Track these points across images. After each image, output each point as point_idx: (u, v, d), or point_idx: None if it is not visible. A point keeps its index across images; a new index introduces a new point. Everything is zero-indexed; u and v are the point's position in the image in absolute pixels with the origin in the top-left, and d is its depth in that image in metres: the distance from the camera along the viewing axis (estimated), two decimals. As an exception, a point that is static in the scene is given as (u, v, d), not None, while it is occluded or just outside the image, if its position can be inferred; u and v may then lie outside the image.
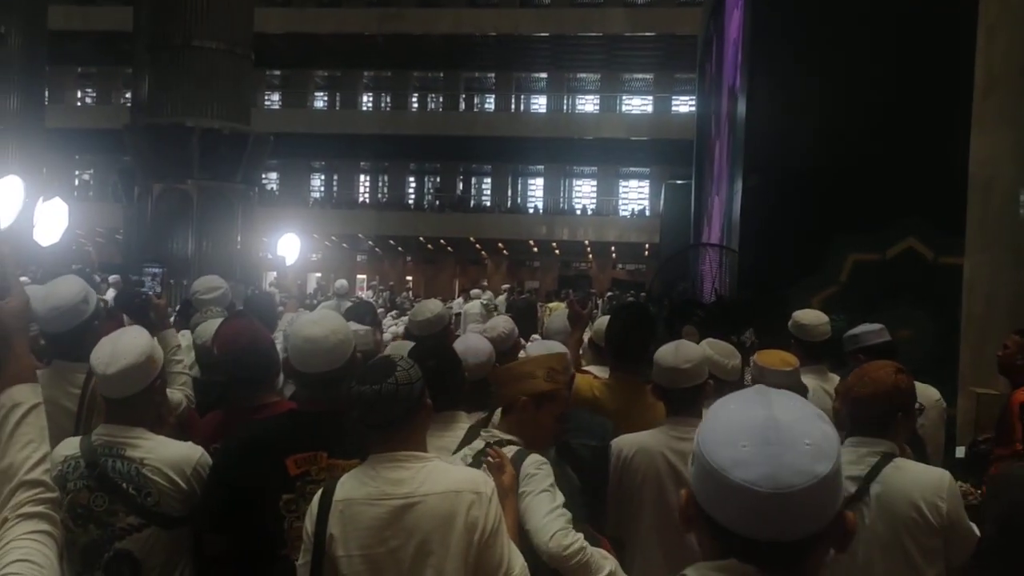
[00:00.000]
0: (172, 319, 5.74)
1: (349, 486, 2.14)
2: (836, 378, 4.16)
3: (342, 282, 10.55)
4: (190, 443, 2.60)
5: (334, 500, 2.13)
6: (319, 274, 33.96)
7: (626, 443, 3.02)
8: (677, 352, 3.03)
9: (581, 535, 2.27)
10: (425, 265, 37.71)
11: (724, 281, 4.89)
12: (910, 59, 5.74)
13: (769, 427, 1.06)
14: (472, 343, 3.29)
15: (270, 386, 3.14)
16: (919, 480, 2.66)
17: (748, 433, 1.07)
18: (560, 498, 2.35)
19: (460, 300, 15.69)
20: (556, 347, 3.36)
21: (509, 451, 2.44)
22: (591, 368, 3.90)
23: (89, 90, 38.73)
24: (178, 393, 3.30)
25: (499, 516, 2.14)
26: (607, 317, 4.02)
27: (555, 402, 2.56)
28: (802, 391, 3.65)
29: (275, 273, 21.00)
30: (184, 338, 3.97)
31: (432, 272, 36.96)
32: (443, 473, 2.15)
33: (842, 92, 5.65)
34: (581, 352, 4.21)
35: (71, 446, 2.52)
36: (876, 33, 5.70)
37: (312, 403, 2.54)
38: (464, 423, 2.80)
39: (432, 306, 4.11)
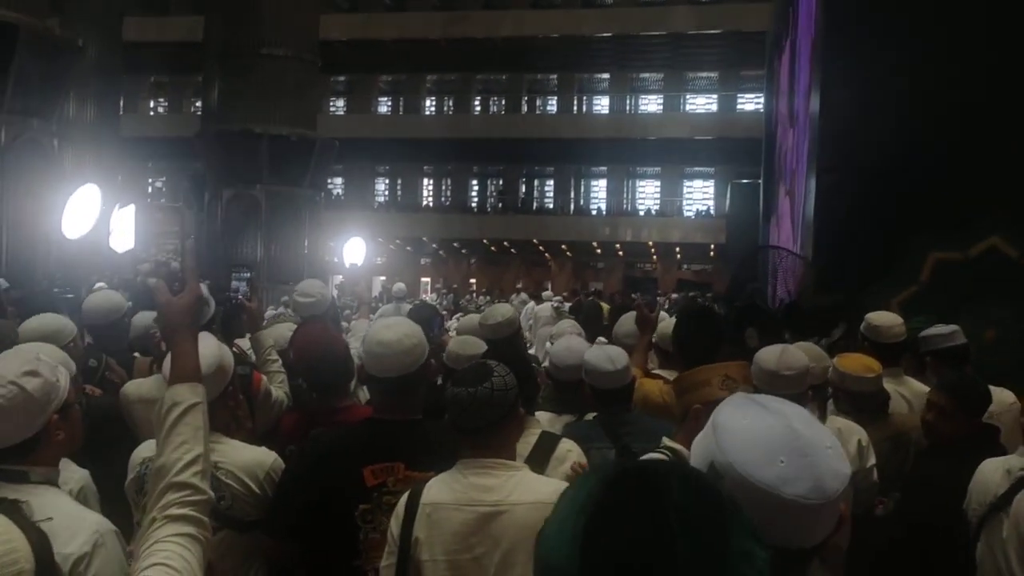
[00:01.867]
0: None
1: (436, 490, 2.14)
2: (914, 382, 4.03)
3: (400, 285, 10.55)
4: (264, 448, 2.62)
5: (421, 503, 2.12)
6: (383, 277, 34.29)
7: None
8: (781, 357, 2.89)
9: None
10: (489, 267, 37.80)
11: (791, 285, 4.67)
12: (990, 48, 5.49)
13: (793, 438, 1.08)
14: (572, 344, 3.26)
15: (344, 391, 3.17)
16: None
17: (779, 447, 1.08)
18: None
19: (532, 304, 15.63)
20: (621, 352, 3.30)
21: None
22: (661, 372, 3.84)
23: (162, 99, 39.72)
24: (280, 391, 3.35)
25: None
26: (671, 320, 3.95)
27: None
28: (884, 397, 3.53)
29: (340, 277, 21.24)
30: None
31: (496, 274, 37.02)
32: (532, 483, 2.14)
33: (920, 84, 5.37)
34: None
35: (150, 448, 2.56)
36: (955, 21, 5.45)
37: (388, 410, 2.52)
38: (538, 429, 2.77)
39: (503, 310, 4.08)
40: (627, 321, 4.24)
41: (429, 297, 23.52)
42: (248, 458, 2.52)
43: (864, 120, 5.32)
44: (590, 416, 3.10)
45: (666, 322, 3.88)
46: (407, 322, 2.63)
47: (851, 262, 5.17)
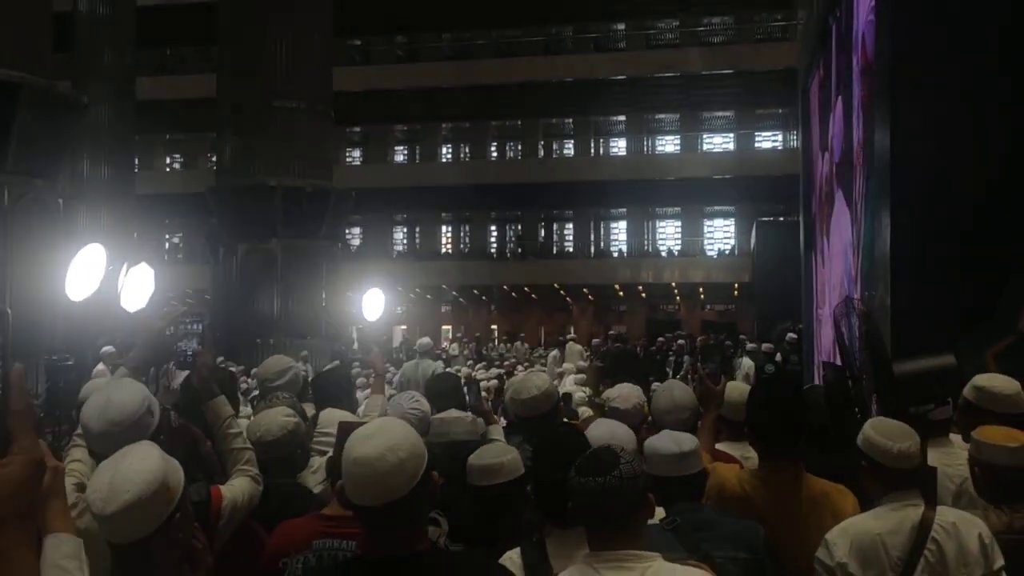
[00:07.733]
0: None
1: None
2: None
3: (425, 340, 9.45)
4: None
5: None
6: (404, 327, 33.89)
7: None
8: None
9: None
10: (510, 313, 37.36)
11: (856, 348, 3.93)
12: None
13: None
14: (617, 432, 2.71)
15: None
16: None
17: None
18: None
19: (554, 352, 15.01)
20: (687, 435, 2.71)
21: None
22: (728, 448, 3.28)
23: (177, 156, 39.85)
24: (244, 481, 2.64)
25: None
26: (741, 386, 3.40)
27: None
28: None
29: (360, 327, 20.78)
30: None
31: (517, 320, 36.57)
32: (669, 574, 2.00)
33: (1007, 107, 4.72)
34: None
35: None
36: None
37: (379, 545, 1.92)
38: None
39: (537, 381, 3.43)
40: (669, 393, 3.34)
41: (451, 347, 22.99)
42: None
43: (942, 148, 4.71)
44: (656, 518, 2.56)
45: (736, 390, 3.29)
46: (397, 426, 1.98)
47: (934, 312, 4.49)
